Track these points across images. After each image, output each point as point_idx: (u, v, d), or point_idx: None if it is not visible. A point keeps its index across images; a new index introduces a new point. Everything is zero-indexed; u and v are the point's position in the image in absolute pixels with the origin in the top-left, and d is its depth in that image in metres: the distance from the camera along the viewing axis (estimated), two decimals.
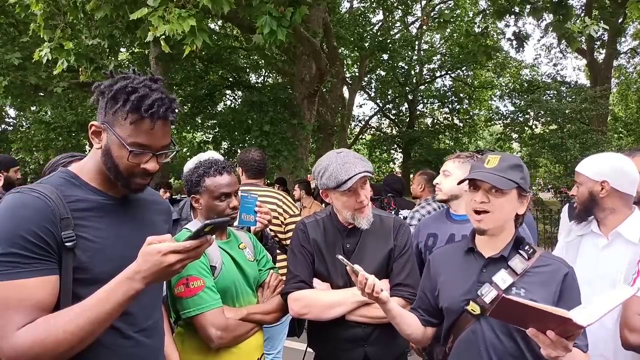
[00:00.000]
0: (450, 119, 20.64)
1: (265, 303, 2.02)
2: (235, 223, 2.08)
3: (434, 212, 3.35)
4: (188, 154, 18.75)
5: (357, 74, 18.31)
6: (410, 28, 19.22)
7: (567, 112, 12.72)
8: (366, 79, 19.65)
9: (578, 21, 6.23)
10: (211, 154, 2.57)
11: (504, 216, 1.58)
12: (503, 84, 20.52)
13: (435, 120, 21.40)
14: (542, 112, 13.46)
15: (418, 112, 21.40)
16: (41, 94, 10.64)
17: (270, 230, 2.90)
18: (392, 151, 22.35)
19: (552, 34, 14.94)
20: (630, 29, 16.59)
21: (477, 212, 1.58)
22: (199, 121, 14.04)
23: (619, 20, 14.13)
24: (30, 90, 9.91)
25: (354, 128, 21.56)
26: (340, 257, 1.62)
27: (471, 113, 21.03)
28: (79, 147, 14.42)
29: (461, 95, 20.15)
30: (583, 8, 14.29)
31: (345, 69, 17.78)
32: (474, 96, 20.24)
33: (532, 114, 14.75)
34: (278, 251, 2.93)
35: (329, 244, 1.98)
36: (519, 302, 1.23)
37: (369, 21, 17.03)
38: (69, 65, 6.16)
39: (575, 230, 2.18)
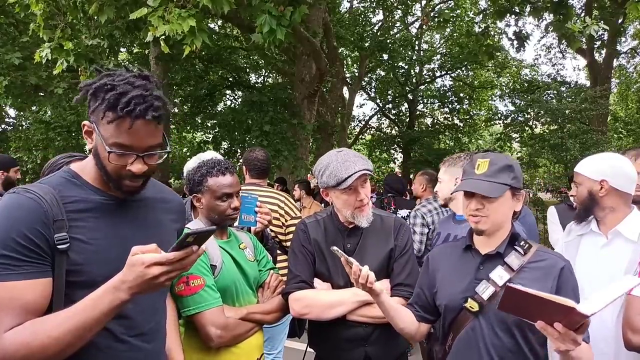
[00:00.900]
0: (450, 119, 20.63)
1: (265, 303, 2.02)
2: (236, 223, 2.08)
3: (434, 210, 3.38)
4: (188, 154, 18.75)
5: (357, 74, 18.30)
6: (410, 28, 19.22)
7: (567, 112, 12.72)
8: (366, 79, 19.64)
9: (578, 21, 6.23)
10: (212, 154, 2.57)
11: (500, 217, 1.61)
12: (503, 84, 20.51)
13: (435, 120, 21.39)
14: (542, 112, 13.46)
15: (418, 112, 21.37)
16: (41, 94, 10.64)
17: (271, 231, 2.91)
18: (392, 151, 22.33)
19: (552, 34, 14.96)
20: (630, 29, 16.60)
21: (474, 216, 1.61)
22: (199, 121, 14.04)
23: (619, 20, 14.14)
24: (31, 90, 9.90)
25: (354, 128, 21.54)
26: (334, 248, 1.64)
27: (471, 113, 21.01)
28: (79, 147, 14.40)
29: (461, 95, 20.13)
30: (583, 8, 14.29)
31: (345, 69, 17.77)
32: (474, 96, 20.23)
33: (532, 113, 14.75)
34: (279, 252, 2.93)
35: (329, 244, 1.98)
36: (523, 291, 1.24)
37: (369, 21, 17.03)
38: (68, 65, 6.16)
39: (575, 229, 2.19)
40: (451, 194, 1.84)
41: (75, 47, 6.04)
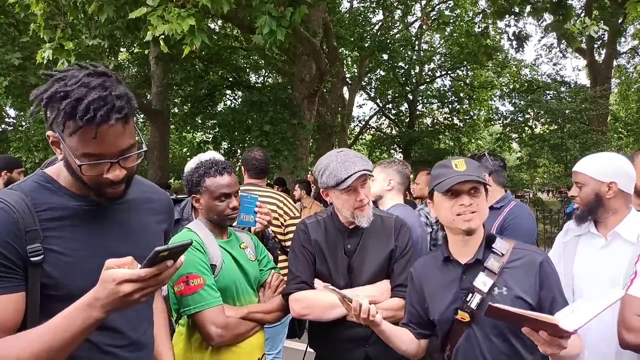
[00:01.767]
0: (450, 119, 20.64)
1: (266, 303, 2.02)
2: (235, 223, 2.08)
3: None
4: (188, 154, 18.74)
5: (357, 74, 18.30)
6: (410, 28, 19.22)
7: (567, 112, 12.73)
8: (366, 79, 19.64)
9: (578, 21, 6.22)
10: (212, 154, 2.57)
11: (485, 213, 1.64)
12: (503, 84, 20.52)
13: (435, 120, 21.40)
14: (542, 112, 13.48)
15: (418, 112, 21.39)
16: None
17: (272, 231, 2.91)
18: (392, 151, 22.34)
19: (553, 34, 14.95)
20: (630, 29, 16.61)
21: (464, 214, 1.59)
22: (199, 121, 14.03)
23: (619, 20, 14.13)
24: (31, 90, 9.87)
25: (354, 128, 21.55)
26: (330, 287, 1.58)
27: (471, 113, 21.02)
28: None
29: (461, 95, 20.14)
30: (583, 8, 14.29)
31: (345, 69, 17.77)
32: (473, 96, 20.23)
33: (532, 113, 14.76)
34: (279, 252, 2.93)
35: (330, 245, 1.98)
36: (505, 310, 1.27)
37: (369, 21, 17.03)
38: (69, 65, 6.15)
39: (573, 230, 2.16)
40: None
41: (75, 47, 6.04)
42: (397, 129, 21.52)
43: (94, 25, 6.32)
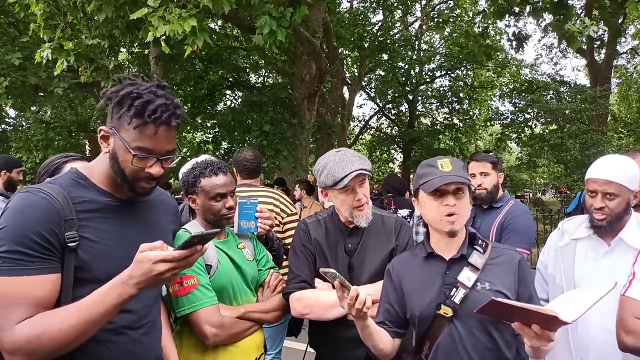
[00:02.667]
0: (450, 119, 20.64)
1: (264, 302, 2.02)
2: (235, 231, 2.08)
3: None
4: (188, 154, 18.75)
5: (357, 74, 18.30)
6: (410, 28, 19.21)
7: (567, 112, 12.74)
8: (366, 79, 19.64)
9: (578, 21, 6.23)
10: (206, 157, 2.57)
11: (467, 214, 1.67)
12: (503, 84, 20.52)
13: (435, 121, 21.41)
14: (542, 112, 13.48)
15: (418, 112, 21.40)
16: (41, 94, 10.63)
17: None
18: (392, 151, 22.35)
19: (552, 34, 14.94)
20: (631, 29, 16.61)
21: (450, 214, 1.61)
22: (199, 121, 14.03)
23: (619, 20, 14.14)
24: (31, 90, 9.90)
25: (354, 128, 21.55)
26: (326, 270, 1.48)
27: (471, 113, 21.03)
28: (78, 147, 14.41)
29: (461, 95, 20.15)
30: (583, 8, 14.29)
31: (345, 69, 17.77)
32: (473, 96, 20.24)
33: (532, 113, 14.77)
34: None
35: (330, 244, 1.98)
36: (507, 304, 1.30)
37: (369, 21, 17.02)
38: (69, 65, 6.15)
39: (569, 232, 2.11)
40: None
41: (75, 47, 6.03)
42: (397, 129, 21.53)
43: (93, 25, 6.31)
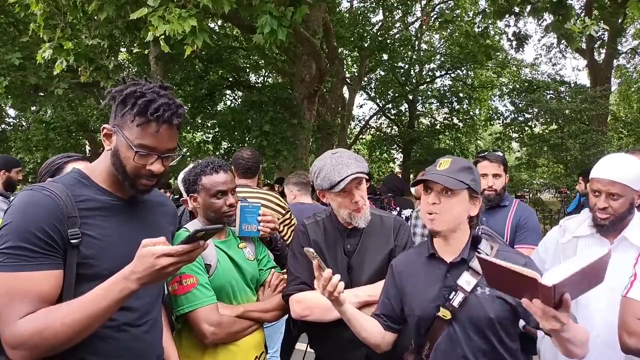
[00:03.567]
0: (450, 119, 20.65)
1: (264, 301, 2.02)
2: (237, 234, 2.07)
3: None
4: (188, 154, 18.75)
5: (357, 74, 18.30)
6: (410, 28, 19.22)
7: (567, 112, 12.74)
8: (366, 79, 19.65)
9: (578, 21, 6.22)
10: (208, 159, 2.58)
11: (454, 217, 1.61)
12: (503, 84, 20.52)
13: (435, 120, 21.41)
14: (542, 112, 13.49)
15: (418, 112, 21.40)
16: (41, 94, 10.64)
17: None
18: (392, 151, 22.35)
19: (552, 34, 14.95)
20: (631, 29, 16.62)
21: (429, 213, 1.61)
22: (199, 121, 14.03)
23: (619, 20, 14.14)
24: (31, 90, 9.90)
25: (354, 128, 21.56)
26: (307, 249, 1.57)
27: (471, 113, 21.03)
28: (78, 146, 14.42)
29: (461, 95, 20.15)
30: (583, 8, 14.29)
31: (345, 69, 17.77)
32: (473, 96, 20.24)
33: (532, 113, 14.77)
34: None
35: (329, 245, 1.98)
36: (492, 262, 1.28)
37: (369, 21, 17.03)
38: (68, 65, 6.15)
39: (571, 229, 2.10)
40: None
41: (75, 46, 6.04)
42: (397, 129, 21.53)
43: (93, 25, 6.31)
